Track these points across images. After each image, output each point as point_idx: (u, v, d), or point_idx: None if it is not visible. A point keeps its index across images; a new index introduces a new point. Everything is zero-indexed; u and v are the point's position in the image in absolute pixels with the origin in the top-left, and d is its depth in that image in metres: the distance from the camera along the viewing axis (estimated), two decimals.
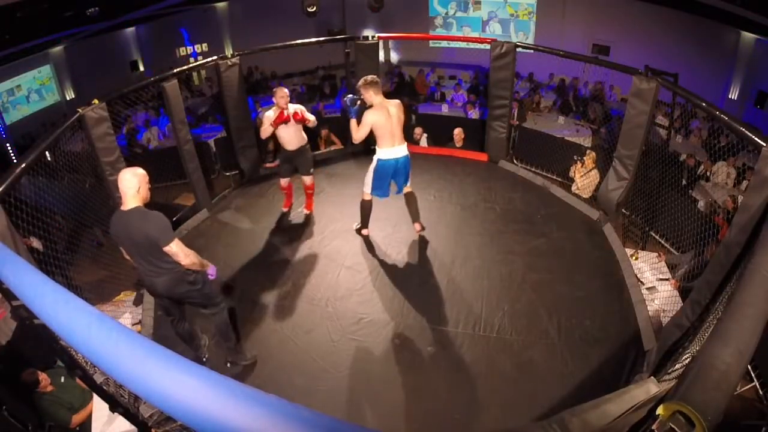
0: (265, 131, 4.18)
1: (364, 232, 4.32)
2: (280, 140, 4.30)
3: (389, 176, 3.88)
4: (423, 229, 4.20)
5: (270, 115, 4.16)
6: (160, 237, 2.48)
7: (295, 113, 4.16)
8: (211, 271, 2.78)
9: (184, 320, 3.03)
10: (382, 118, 3.62)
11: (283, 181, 4.62)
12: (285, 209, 4.80)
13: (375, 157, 3.85)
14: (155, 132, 7.99)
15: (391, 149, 3.75)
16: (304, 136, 4.39)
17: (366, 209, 4.18)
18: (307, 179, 4.55)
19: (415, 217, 4.20)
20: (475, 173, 5.46)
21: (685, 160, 6.59)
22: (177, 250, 2.52)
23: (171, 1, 10.73)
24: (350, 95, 3.80)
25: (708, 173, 6.52)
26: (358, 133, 3.68)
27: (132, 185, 2.47)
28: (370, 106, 3.65)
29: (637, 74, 3.91)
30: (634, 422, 1.41)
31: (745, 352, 1.22)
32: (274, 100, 4.22)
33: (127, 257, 2.71)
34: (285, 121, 4.16)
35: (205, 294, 2.84)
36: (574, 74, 9.37)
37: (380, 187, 3.93)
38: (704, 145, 7.39)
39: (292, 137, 4.27)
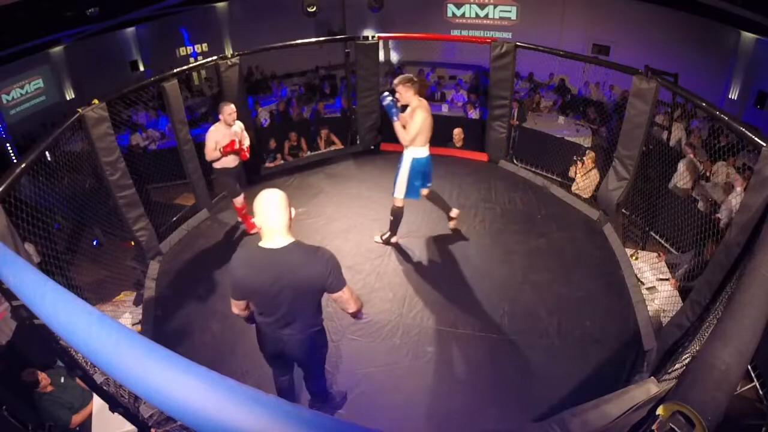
0: (211, 154, 3.96)
1: (394, 240, 4.17)
2: (221, 159, 4.06)
3: (421, 174, 3.83)
4: (457, 214, 4.26)
5: (216, 137, 3.95)
6: (334, 281, 1.94)
7: (233, 141, 3.96)
8: (362, 315, 2.30)
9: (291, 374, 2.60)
10: (429, 118, 3.59)
11: (239, 201, 4.34)
12: (252, 232, 4.44)
13: (409, 157, 3.72)
14: (138, 137, 7.93)
15: (425, 147, 3.72)
16: None
17: (398, 217, 3.99)
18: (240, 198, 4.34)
19: (446, 207, 4.21)
20: (475, 173, 5.46)
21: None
22: (349, 295, 2.03)
23: (171, 1, 10.74)
24: (388, 96, 3.57)
25: (708, 173, 6.51)
26: (409, 135, 3.55)
27: (283, 213, 1.84)
28: (405, 106, 3.58)
29: (637, 74, 3.91)
30: (634, 422, 1.41)
31: (745, 352, 1.22)
32: (220, 116, 4.01)
33: (238, 311, 2.08)
34: (236, 152, 4.04)
35: (325, 354, 2.41)
36: (574, 74, 9.38)
37: (413, 188, 3.83)
38: (704, 145, 7.39)
39: (235, 155, 4.15)
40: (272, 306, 1.97)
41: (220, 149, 3.94)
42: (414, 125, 3.53)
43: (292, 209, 1.88)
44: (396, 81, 3.55)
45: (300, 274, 1.88)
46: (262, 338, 2.22)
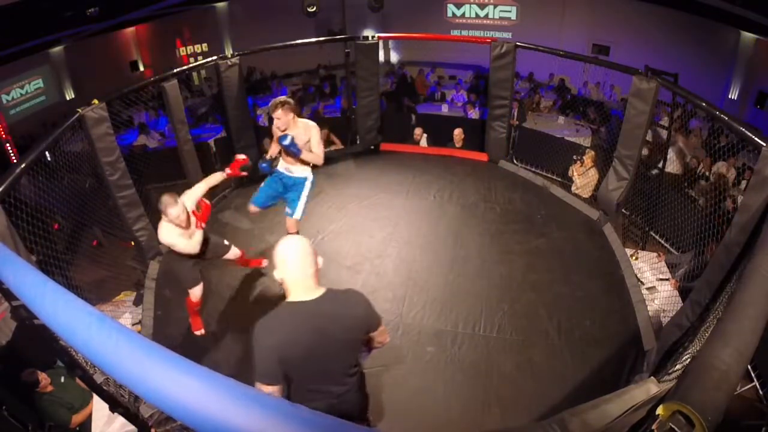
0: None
1: None
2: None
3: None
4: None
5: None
6: (374, 319, 1.75)
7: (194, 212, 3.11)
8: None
9: None
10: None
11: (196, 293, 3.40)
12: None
13: (309, 176, 3.56)
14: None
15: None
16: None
17: None
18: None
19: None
20: (475, 173, 5.46)
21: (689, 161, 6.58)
22: (383, 326, 1.80)
23: (171, 1, 10.74)
24: (285, 139, 3.21)
25: (708, 173, 6.51)
26: (322, 152, 3.39)
27: (312, 261, 1.63)
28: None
29: (637, 74, 3.91)
30: (634, 422, 1.41)
31: (745, 352, 1.22)
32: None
33: (270, 388, 1.64)
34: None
35: None
36: (574, 74, 9.38)
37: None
38: (704, 145, 7.39)
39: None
40: (318, 370, 1.67)
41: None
42: (319, 141, 3.33)
43: (319, 257, 1.67)
44: (275, 107, 3.22)
45: (344, 324, 1.65)
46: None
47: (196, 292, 3.25)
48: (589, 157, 5.37)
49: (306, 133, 3.31)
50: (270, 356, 1.60)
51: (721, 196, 5.36)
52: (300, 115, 3.39)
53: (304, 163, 3.49)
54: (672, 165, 5.84)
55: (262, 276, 3.93)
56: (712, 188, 5.85)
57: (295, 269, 1.60)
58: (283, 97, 3.31)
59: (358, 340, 1.74)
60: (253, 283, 3.86)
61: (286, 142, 3.20)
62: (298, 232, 3.69)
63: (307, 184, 3.58)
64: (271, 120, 8.09)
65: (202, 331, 3.40)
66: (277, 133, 3.36)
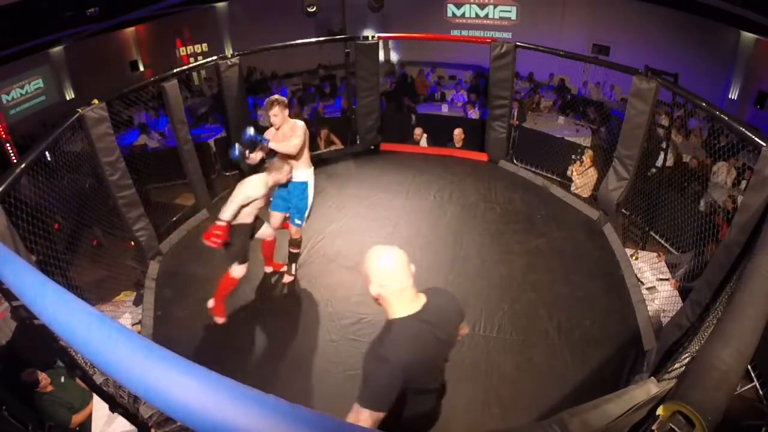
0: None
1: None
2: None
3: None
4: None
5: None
6: (462, 316, 1.76)
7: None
8: None
9: None
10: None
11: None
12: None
13: (311, 177, 3.60)
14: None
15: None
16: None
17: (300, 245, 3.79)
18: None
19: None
20: (475, 173, 5.46)
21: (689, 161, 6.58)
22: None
23: (171, 1, 10.74)
24: (246, 133, 3.35)
25: (707, 173, 6.51)
26: (300, 143, 3.42)
27: (409, 268, 1.58)
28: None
29: (637, 74, 3.91)
30: (634, 422, 1.41)
31: (745, 352, 1.22)
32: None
33: (381, 416, 1.46)
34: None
35: None
36: (574, 74, 9.37)
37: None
38: (704, 145, 7.39)
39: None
40: (433, 373, 1.70)
41: None
42: (302, 137, 3.39)
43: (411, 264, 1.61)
44: (271, 105, 3.37)
45: (450, 326, 1.68)
46: (427, 421, 1.88)
47: (241, 270, 3.29)
48: (588, 157, 5.38)
49: (292, 130, 3.43)
50: (395, 382, 1.48)
51: (700, 183, 5.39)
52: (299, 116, 3.45)
53: (304, 166, 3.56)
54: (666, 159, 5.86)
55: (264, 278, 3.93)
56: (694, 176, 5.88)
57: (396, 281, 1.55)
58: (276, 96, 3.44)
59: (456, 337, 1.75)
60: (255, 284, 3.86)
61: (246, 137, 3.32)
62: (300, 238, 3.73)
63: (309, 187, 3.61)
64: None
65: (223, 320, 3.42)
66: (272, 130, 3.48)
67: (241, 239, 3.26)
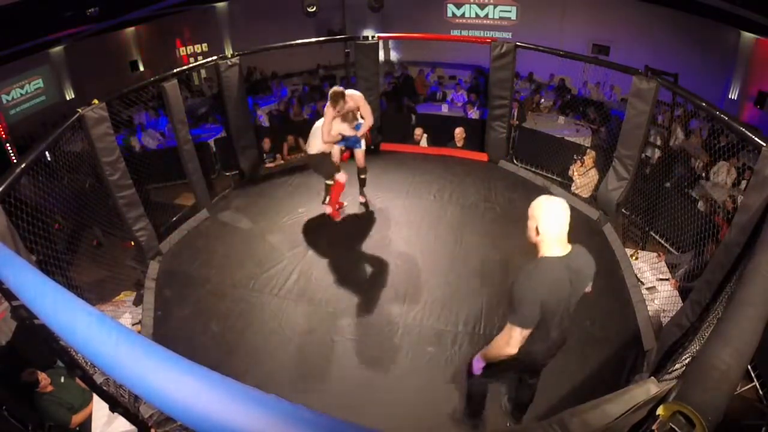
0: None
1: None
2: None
3: None
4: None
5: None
6: (592, 280, 1.99)
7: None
8: None
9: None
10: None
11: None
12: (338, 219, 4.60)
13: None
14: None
15: None
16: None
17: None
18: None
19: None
20: (475, 173, 5.46)
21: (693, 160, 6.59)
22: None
23: (171, 1, 10.73)
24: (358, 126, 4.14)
25: (707, 173, 6.51)
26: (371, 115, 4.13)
27: (568, 217, 1.82)
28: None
29: (637, 74, 3.91)
30: (634, 422, 1.41)
31: (745, 352, 1.22)
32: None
33: (526, 333, 1.85)
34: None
35: None
36: (574, 74, 9.37)
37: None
38: (704, 145, 7.39)
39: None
40: (558, 318, 1.94)
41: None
42: (364, 99, 4.06)
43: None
44: (340, 97, 3.82)
45: (585, 275, 1.92)
46: (540, 359, 2.13)
47: (343, 175, 4.32)
48: (589, 157, 5.37)
49: (356, 102, 3.99)
50: (535, 304, 1.80)
51: (683, 165, 5.37)
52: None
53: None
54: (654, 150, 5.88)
55: (264, 278, 3.93)
56: (677, 159, 5.88)
57: (556, 226, 1.80)
58: (339, 88, 3.89)
59: (583, 291, 1.96)
60: (255, 284, 3.86)
61: (360, 130, 4.13)
62: (366, 166, 4.52)
63: (363, 126, 4.18)
64: (272, 119, 8.10)
65: (339, 218, 4.50)
66: (335, 117, 3.96)
67: (328, 160, 4.23)
